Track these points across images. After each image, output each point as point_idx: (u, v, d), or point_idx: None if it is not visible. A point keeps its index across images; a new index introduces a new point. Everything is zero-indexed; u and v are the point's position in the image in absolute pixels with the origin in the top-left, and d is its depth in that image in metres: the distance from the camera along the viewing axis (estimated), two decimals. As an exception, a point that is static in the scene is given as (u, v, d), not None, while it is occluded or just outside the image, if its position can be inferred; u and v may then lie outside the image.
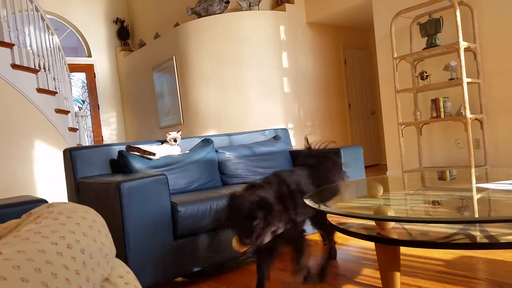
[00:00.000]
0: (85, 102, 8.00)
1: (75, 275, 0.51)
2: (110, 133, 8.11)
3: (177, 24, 6.40)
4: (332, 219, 1.68)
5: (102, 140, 7.95)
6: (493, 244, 1.16)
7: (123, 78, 8.16)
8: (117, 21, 8.25)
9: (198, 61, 5.98)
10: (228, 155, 3.30)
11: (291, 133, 6.00)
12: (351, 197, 1.99)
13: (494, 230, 1.29)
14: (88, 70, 7.97)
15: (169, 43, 6.46)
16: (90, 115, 7.94)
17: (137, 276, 0.71)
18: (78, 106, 7.88)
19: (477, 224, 1.36)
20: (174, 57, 6.32)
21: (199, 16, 6.01)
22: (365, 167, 4.92)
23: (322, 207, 1.56)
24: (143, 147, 2.88)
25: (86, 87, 8.01)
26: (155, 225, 2.09)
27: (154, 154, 2.81)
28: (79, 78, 7.96)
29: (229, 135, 3.74)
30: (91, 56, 8.00)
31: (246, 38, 5.86)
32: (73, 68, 7.60)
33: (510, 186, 1.58)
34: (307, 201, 1.73)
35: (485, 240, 1.19)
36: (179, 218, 2.17)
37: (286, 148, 3.74)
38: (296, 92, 6.25)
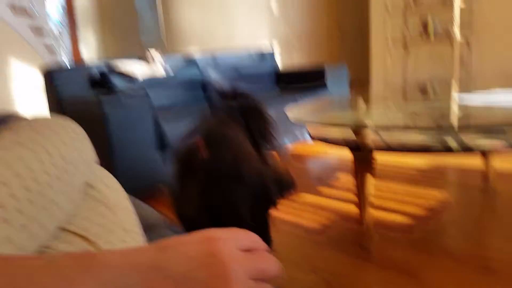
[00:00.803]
0: (63, 23, 7.67)
1: (56, 180, 0.51)
2: (89, 51, 7.88)
3: None
4: (312, 130, 1.72)
5: (81, 59, 7.72)
6: (464, 149, 1.21)
7: (102, -3, 7.77)
8: None
9: (180, -24, 5.68)
10: (212, 75, 3.27)
11: (278, 52, 5.91)
12: (333, 110, 2.02)
13: (467, 137, 1.34)
14: (65, -13, 7.54)
15: (148, -43, 6.08)
16: (68, 34, 7.64)
17: (122, 184, 0.71)
18: (59, 31, 7.56)
19: (453, 133, 1.41)
20: (154, -28, 5.98)
21: None
22: (351, 85, 4.90)
23: (305, 119, 1.59)
24: (125, 66, 2.83)
25: (65, 10, 7.63)
26: (140, 140, 2.12)
27: (134, 78, 2.76)
28: (58, 2, 7.54)
29: (213, 54, 3.67)
30: (66, -28, 7.52)
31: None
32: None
33: (487, 97, 1.62)
34: (291, 116, 1.76)
35: (457, 146, 1.25)
36: (162, 132, 2.19)
37: (272, 68, 3.71)
38: (284, 8, 6.06)
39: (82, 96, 2.56)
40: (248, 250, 0.33)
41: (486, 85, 3.38)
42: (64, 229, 0.52)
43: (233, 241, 0.32)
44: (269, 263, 0.33)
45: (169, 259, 0.29)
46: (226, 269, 0.29)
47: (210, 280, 0.28)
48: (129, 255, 0.30)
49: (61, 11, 7.63)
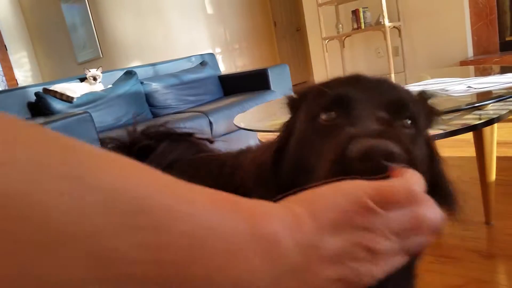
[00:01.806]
0: (-11, 43, 7.20)
1: None
2: (25, 75, 7.47)
3: None
4: (262, 136, 1.73)
5: (17, 84, 7.32)
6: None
7: (28, 13, 7.37)
8: None
9: (110, -13, 5.50)
10: (154, 86, 3.21)
11: (219, 57, 5.89)
12: (280, 114, 2.04)
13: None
14: (-15, 6, 7.09)
15: (74, -31, 5.85)
16: (-3, 58, 7.20)
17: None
18: (-19, 49, 7.08)
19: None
20: (82, -16, 5.76)
21: None
22: (294, 85, 5.02)
23: (251, 126, 1.60)
24: (62, 87, 2.71)
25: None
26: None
27: (72, 99, 2.64)
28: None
29: (153, 64, 3.60)
30: (-15, -10, 7.07)
31: (160, -42, 5.44)
32: (-34, 5, 6.71)
33: (421, 87, 1.70)
34: (238, 123, 1.76)
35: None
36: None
37: (214, 74, 3.69)
38: (219, 13, 6.03)
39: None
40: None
41: (418, 71, 3.55)
42: None
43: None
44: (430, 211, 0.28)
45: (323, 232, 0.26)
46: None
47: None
48: (290, 227, 0.25)
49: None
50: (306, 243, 0.25)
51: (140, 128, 0.50)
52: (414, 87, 1.71)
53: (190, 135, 0.70)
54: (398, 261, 0.26)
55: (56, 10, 6.61)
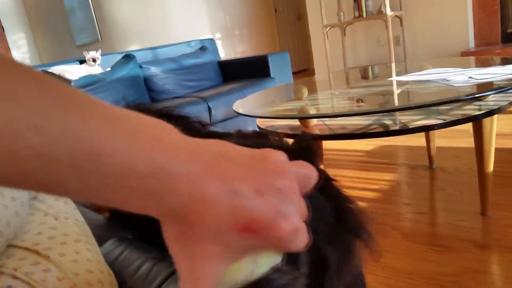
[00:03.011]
0: (-14, 24, 7.12)
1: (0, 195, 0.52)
2: (22, 57, 7.41)
3: None
4: (261, 122, 1.72)
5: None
6: (403, 130, 1.27)
7: (26, -6, 7.29)
8: None
9: (110, -31, 5.43)
10: (153, 70, 3.19)
11: (219, 43, 5.84)
12: (279, 101, 2.04)
13: (406, 118, 1.39)
14: (-17, -14, 6.99)
15: (73, -50, 5.76)
16: (-5, 39, 7.12)
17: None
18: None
19: (394, 114, 1.46)
20: (81, -34, 5.68)
21: None
22: (294, 73, 4.98)
23: (250, 112, 1.59)
24: (60, 69, 2.69)
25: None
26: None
27: (70, 82, 2.62)
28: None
29: (152, 48, 3.57)
30: (-17, -31, 6.97)
31: None
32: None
33: (422, 76, 1.69)
34: (237, 109, 1.75)
35: (397, 127, 1.30)
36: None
37: (214, 59, 3.67)
38: (220, -1, 5.97)
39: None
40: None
41: (419, 61, 3.54)
42: (15, 246, 0.53)
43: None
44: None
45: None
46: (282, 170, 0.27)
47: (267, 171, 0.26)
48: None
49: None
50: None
51: (155, 107, 0.53)
52: (415, 76, 1.70)
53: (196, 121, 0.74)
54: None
55: (54, -9, 6.53)
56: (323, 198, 0.40)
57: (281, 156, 0.28)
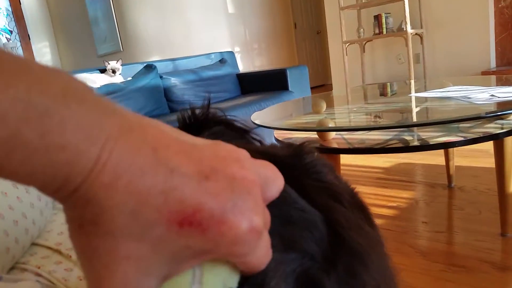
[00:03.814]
0: (13, 32, 7.33)
1: (26, 193, 0.53)
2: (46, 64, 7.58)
3: None
4: (278, 134, 1.73)
5: (38, 73, 7.43)
6: (423, 146, 1.25)
7: (52, 4, 7.50)
8: None
9: (134, -19, 5.56)
10: (173, 80, 3.23)
11: (238, 56, 5.90)
12: (297, 114, 2.04)
13: (426, 134, 1.38)
14: (12, -5, 7.21)
15: (100, -38, 5.93)
16: (20, 47, 7.33)
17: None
18: (6, 37, 7.22)
19: (413, 130, 1.45)
20: (107, -22, 5.83)
21: None
22: (312, 88, 4.98)
23: (268, 124, 1.60)
24: (82, 77, 2.75)
25: (12, 16, 7.29)
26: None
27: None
28: (2, 6, 7.20)
29: (173, 60, 3.63)
30: (12, -20, 7.20)
31: (184, -45, 5.48)
32: (-6, -7, 6.84)
33: (443, 93, 1.68)
34: (256, 121, 1.76)
35: (417, 143, 1.29)
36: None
37: (233, 72, 3.70)
38: (241, 12, 6.05)
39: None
40: None
41: (439, 78, 3.51)
42: (38, 245, 0.54)
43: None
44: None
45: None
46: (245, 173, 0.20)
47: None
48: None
49: (11, 22, 7.29)
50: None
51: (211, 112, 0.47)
52: (436, 93, 1.69)
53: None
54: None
55: (79, 2, 6.70)
56: (313, 210, 0.31)
57: (238, 149, 0.22)
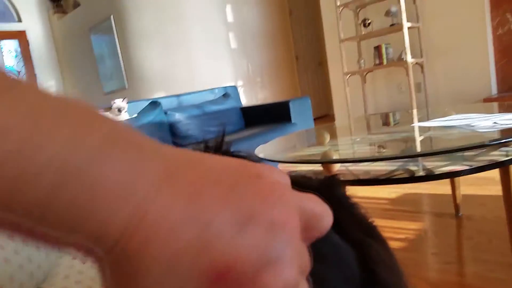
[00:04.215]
0: (20, 72, 7.50)
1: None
2: (52, 103, 7.71)
3: (112, -18, 6.04)
4: (283, 167, 1.73)
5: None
6: (429, 176, 1.25)
7: (59, 43, 7.70)
8: (46, -19, 7.65)
9: (139, 19, 5.72)
10: (178, 116, 3.27)
11: (241, 90, 5.98)
12: (300, 146, 2.05)
13: (431, 164, 1.38)
14: (20, 37, 7.43)
15: (105, 2, 6.12)
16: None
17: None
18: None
19: (417, 160, 1.45)
20: (112, 16, 6.01)
21: (135, -28, 5.69)
22: (315, 118, 5.02)
23: (272, 157, 1.60)
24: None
25: (20, 56, 7.49)
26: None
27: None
28: (11, 47, 7.41)
29: (177, 95, 3.68)
30: (21, 22, 7.44)
31: (187, -6, 5.65)
32: (3, 35, 7.06)
33: (446, 122, 1.69)
34: (260, 154, 1.76)
35: (423, 173, 1.28)
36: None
37: (236, 105, 3.74)
38: (243, 47, 6.18)
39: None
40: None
41: (442, 107, 3.53)
42: None
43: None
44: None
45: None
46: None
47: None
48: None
49: (19, 62, 7.47)
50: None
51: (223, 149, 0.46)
52: (439, 122, 1.70)
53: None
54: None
55: (85, 40, 6.89)
56: (346, 246, 0.30)
57: (282, 177, 0.20)
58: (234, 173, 0.19)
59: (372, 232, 0.35)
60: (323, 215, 0.21)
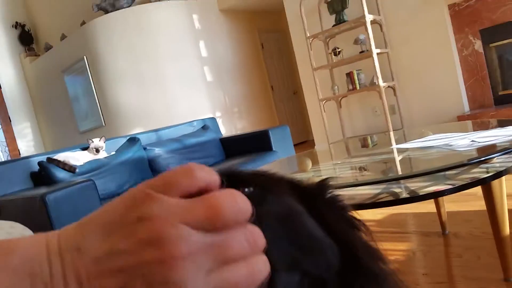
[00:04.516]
0: (-7, 116, 7.34)
1: None
2: (27, 145, 7.56)
3: (83, 23, 6.07)
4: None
5: (19, 154, 7.39)
6: (414, 197, 1.26)
7: (33, 85, 7.62)
8: (17, 25, 7.63)
9: (112, 58, 5.73)
10: (157, 151, 3.24)
11: (219, 121, 6.00)
12: (283, 174, 2.04)
13: (414, 185, 1.39)
14: (-9, 81, 7.31)
15: (77, 43, 6.12)
16: (1, 129, 7.31)
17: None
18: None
19: (400, 182, 1.46)
20: (85, 57, 6.00)
21: (106, 12, 5.74)
22: (295, 144, 5.04)
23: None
24: (65, 155, 2.73)
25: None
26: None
27: (74, 170, 2.65)
28: (-18, 91, 7.27)
29: (156, 130, 3.66)
30: (-8, 66, 7.34)
31: (159, 30, 5.72)
32: (-27, 80, 6.94)
33: (424, 143, 1.72)
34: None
35: (407, 195, 1.29)
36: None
37: (216, 137, 3.74)
38: (219, 80, 6.24)
39: (21, 191, 2.41)
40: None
41: (418, 128, 3.63)
42: None
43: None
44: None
45: (88, 235, 0.23)
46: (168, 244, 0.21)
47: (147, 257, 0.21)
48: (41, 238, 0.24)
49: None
50: (65, 248, 0.23)
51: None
52: (418, 143, 1.73)
53: None
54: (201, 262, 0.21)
55: (59, 81, 6.83)
56: (325, 240, 0.33)
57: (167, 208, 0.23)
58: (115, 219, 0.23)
59: (359, 225, 0.38)
60: (176, 175, 0.25)
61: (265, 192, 0.33)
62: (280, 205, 0.33)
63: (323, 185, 0.39)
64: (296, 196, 0.35)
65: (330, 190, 0.39)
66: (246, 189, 0.33)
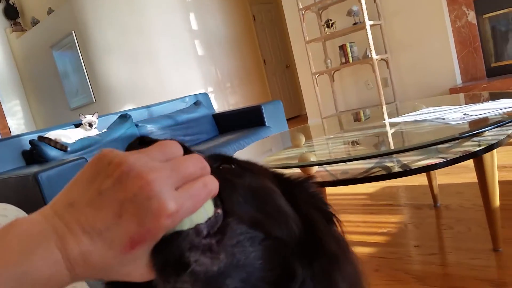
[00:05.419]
0: (-19, 93, 7.23)
1: None
2: (17, 123, 7.47)
3: (71, -4, 5.91)
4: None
5: (10, 132, 7.31)
6: (406, 171, 1.27)
7: (20, 62, 7.47)
8: (1, -1, 7.41)
9: (101, 33, 5.61)
10: (150, 127, 3.21)
11: (211, 96, 5.95)
12: (277, 150, 2.05)
13: (406, 159, 1.40)
14: (-22, 57, 7.16)
15: (65, 18, 5.98)
16: (-10, 107, 7.21)
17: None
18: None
19: (393, 156, 1.47)
20: (73, 31, 5.87)
21: (94, -15, 5.58)
22: (288, 119, 5.03)
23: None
24: (56, 133, 2.70)
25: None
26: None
27: (66, 148, 2.62)
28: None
29: (148, 107, 3.63)
30: (-23, 42, 7.17)
31: (149, 3, 5.58)
32: (-41, 57, 6.78)
33: (417, 116, 1.72)
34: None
35: (399, 169, 1.30)
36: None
37: (208, 113, 3.72)
38: (210, 54, 6.15)
39: (13, 170, 2.40)
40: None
41: (411, 101, 3.62)
42: None
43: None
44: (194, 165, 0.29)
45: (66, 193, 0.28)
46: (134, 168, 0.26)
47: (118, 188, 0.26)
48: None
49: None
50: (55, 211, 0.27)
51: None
52: (411, 117, 1.73)
53: None
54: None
55: (48, 57, 6.71)
56: (290, 212, 0.36)
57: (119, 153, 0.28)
58: (89, 182, 0.27)
59: (323, 210, 0.41)
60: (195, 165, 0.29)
61: (245, 171, 0.38)
62: (256, 181, 0.37)
63: (303, 180, 0.43)
64: (276, 183, 0.40)
65: (308, 184, 0.43)
66: (228, 166, 0.38)
